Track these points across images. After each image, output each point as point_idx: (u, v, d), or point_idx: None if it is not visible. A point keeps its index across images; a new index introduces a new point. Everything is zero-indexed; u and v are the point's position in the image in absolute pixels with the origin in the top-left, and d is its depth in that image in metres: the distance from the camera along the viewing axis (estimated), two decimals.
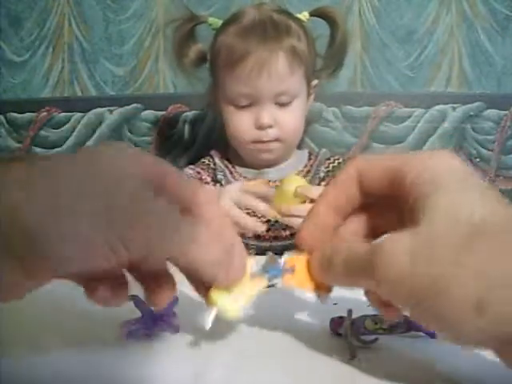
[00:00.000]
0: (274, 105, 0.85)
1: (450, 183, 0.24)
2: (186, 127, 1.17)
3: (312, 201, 0.69)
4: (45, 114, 1.19)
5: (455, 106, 1.14)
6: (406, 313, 0.26)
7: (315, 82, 0.93)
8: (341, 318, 0.35)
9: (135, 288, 0.43)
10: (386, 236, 0.25)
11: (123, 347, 0.33)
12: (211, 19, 0.90)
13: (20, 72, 1.20)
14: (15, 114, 1.20)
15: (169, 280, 0.28)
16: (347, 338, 0.33)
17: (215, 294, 0.29)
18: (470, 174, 0.25)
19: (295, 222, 0.69)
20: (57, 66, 1.20)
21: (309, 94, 0.92)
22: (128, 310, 0.35)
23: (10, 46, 1.20)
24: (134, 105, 1.18)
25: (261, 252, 0.82)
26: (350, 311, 0.34)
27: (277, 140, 0.86)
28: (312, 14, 0.91)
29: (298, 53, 0.84)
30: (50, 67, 1.20)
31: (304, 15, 0.91)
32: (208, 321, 0.29)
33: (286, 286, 0.31)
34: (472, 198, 0.23)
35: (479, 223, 0.23)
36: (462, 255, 0.22)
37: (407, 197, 0.25)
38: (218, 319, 0.30)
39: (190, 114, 1.17)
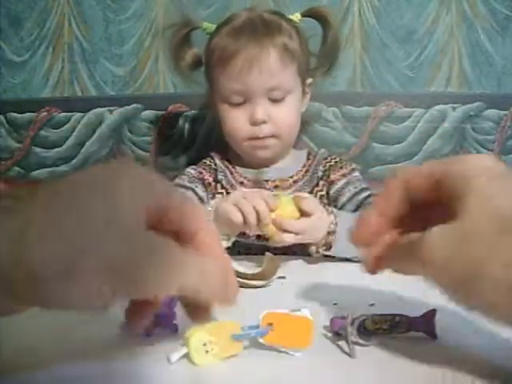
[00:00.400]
0: (267, 101, 0.86)
1: (481, 184, 0.29)
2: (186, 127, 1.17)
3: (303, 213, 0.68)
4: (45, 114, 1.19)
5: (455, 106, 1.13)
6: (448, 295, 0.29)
7: (310, 80, 0.94)
8: (341, 318, 0.35)
9: None
10: (432, 228, 0.29)
11: (123, 347, 0.33)
12: (205, 24, 0.92)
13: (20, 72, 1.20)
14: (15, 114, 1.19)
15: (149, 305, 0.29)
16: (347, 337, 0.33)
17: (191, 338, 0.31)
18: (501, 173, 0.29)
19: (285, 238, 0.67)
20: (57, 65, 1.20)
21: (304, 93, 0.93)
22: None
23: (10, 46, 1.20)
24: (134, 105, 1.17)
25: (261, 252, 0.82)
26: (350, 313, 0.34)
27: (272, 136, 0.87)
28: (304, 15, 0.92)
29: (289, 49, 0.85)
30: (49, 67, 1.20)
31: (296, 16, 0.93)
32: (174, 356, 0.31)
33: (268, 344, 0.32)
34: (500, 195, 0.28)
35: (507, 218, 0.27)
36: (493, 246, 0.27)
37: (448, 196, 0.30)
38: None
39: (189, 113, 1.17)
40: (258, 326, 0.33)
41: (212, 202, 0.74)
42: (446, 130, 1.14)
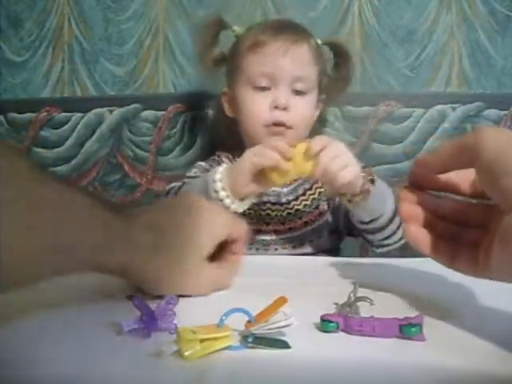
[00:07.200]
0: (290, 91, 0.87)
1: None
2: (186, 127, 1.17)
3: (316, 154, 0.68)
4: (45, 114, 1.19)
5: (455, 105, 1.13)
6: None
7: (323, 96, 0.96)
8: (332, 314, 0.36)
9: (135, 288, 0.44)
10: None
11: (123, 347, 0.33)
12: (235, 27, 0.94)
13: (20, 72, 1.20)
14: (15, 114, 1.19)
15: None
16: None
17: (183, 333, 0.31)
18: None
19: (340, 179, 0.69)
20: (57, 66, 1.20)
21: (317, 105, 0.95)
22: (128, 310, 0.35)
23: (10, 46, 1.20)
24: (134, 105, 1.17)
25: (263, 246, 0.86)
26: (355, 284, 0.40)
27: (289, 127, 0.87)
28: (324, 43, 0.96)
29: (317, 51, 0.90)
30: (49, 67, 1.20)
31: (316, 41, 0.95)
32: (167, 351, 0.31)
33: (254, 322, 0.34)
34: None
35: None
36: None
37: None
38: None
39: (189, 114, 1.17)
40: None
41: (220, 168, 0.73)
42: (445, 129, 1.14)
